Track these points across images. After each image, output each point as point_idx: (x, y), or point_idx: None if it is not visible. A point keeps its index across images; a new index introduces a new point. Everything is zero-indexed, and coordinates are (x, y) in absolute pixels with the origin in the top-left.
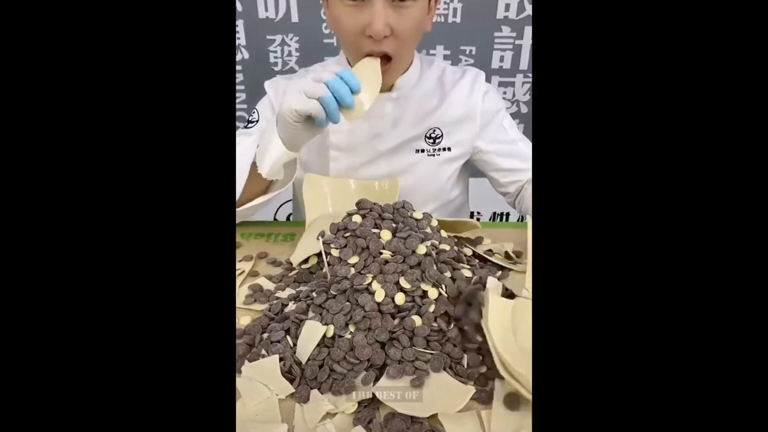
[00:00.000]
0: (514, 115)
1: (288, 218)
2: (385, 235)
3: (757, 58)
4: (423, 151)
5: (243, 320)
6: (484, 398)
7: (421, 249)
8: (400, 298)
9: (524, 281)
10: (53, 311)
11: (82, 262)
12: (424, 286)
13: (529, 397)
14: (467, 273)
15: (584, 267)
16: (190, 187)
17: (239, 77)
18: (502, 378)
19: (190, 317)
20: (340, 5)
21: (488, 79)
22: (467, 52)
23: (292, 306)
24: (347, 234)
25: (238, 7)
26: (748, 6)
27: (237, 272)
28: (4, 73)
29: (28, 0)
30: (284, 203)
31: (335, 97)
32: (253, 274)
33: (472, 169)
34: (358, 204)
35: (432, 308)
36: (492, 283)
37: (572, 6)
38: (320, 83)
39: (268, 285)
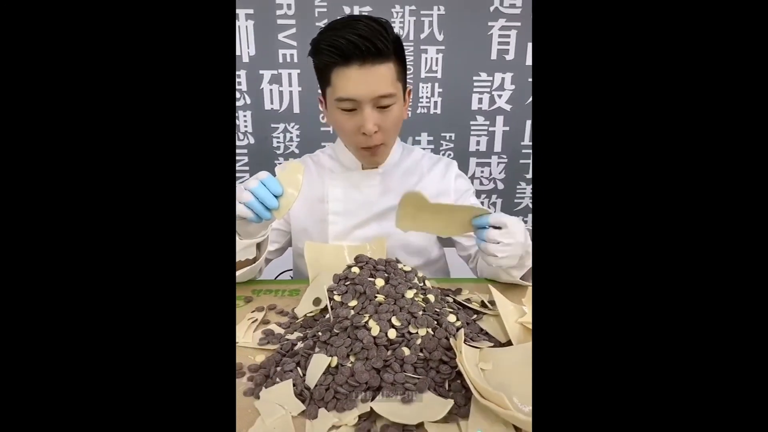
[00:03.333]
0: (491, 191)
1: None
2: (379, 282)
3: (756, 54)
4: None
5: (258, 358)
6: (462, 413)
7: (409, 293)
8: (392, 333)
9: (496, 323)
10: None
11: (85, 306)
12: (411, 329)
13: (501, 411)
14: (452, 318)
15: (583, 271)
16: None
17: (245, 159)
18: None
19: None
20: (338, 113)
21: (466, 161)
22: (447, 138)
23: (300, 344)
24: (347, 282)
25: (247, 99)
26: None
27: (250, 320)
28: (4, 74)
29: (29, 1)
30: (284, 272)
31: (259, 200)
32: (265, 321)
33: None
34: (356, 258)
35: (419, 341)
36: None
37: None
38: (247, 190)
39: (279, 330)
